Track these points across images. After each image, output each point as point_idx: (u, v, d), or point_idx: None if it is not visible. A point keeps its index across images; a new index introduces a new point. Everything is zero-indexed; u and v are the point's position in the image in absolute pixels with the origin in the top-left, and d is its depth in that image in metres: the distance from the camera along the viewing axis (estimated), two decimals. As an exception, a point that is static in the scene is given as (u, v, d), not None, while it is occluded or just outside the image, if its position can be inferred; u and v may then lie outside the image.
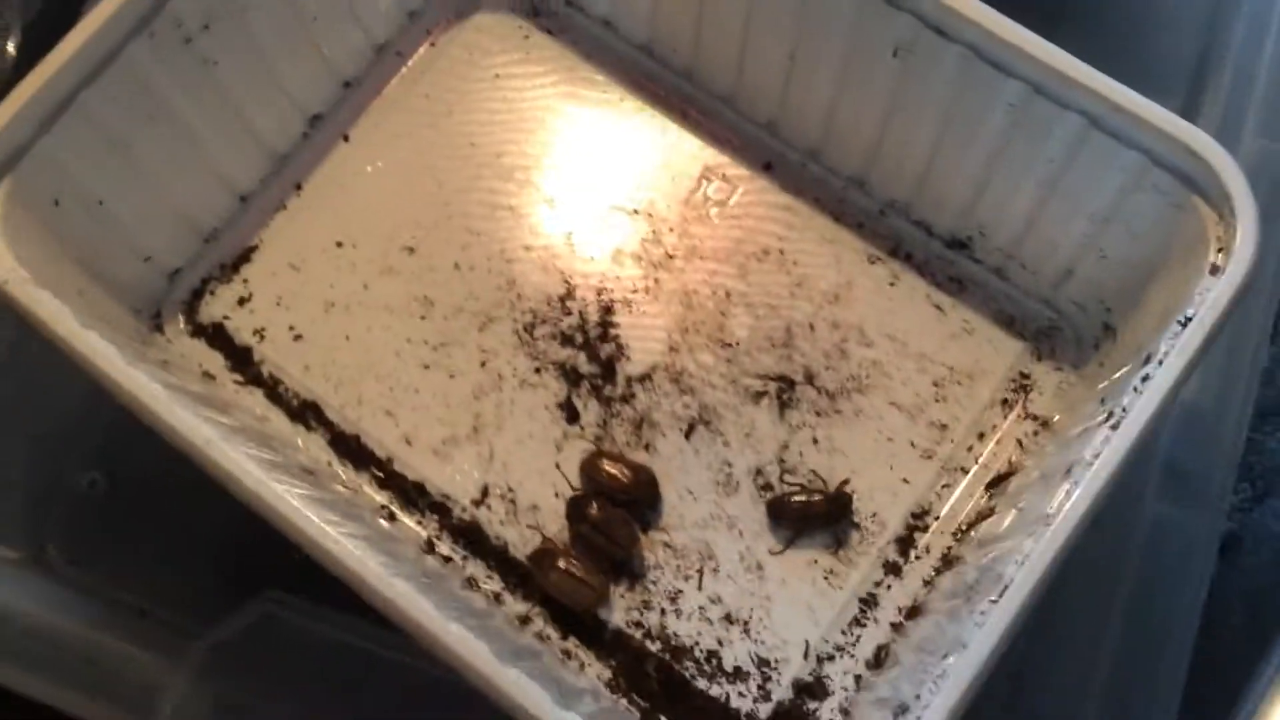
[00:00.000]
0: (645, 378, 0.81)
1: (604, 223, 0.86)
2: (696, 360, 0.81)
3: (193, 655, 0.72)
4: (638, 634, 0.74)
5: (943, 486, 0.78)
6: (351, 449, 0.80)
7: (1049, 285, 0.81)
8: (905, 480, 0.78)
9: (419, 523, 0.77)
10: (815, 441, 0.79)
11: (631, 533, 0.75)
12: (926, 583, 0.75)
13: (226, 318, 0.83)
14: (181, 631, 0.74)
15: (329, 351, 0.82)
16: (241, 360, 0.82)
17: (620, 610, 0.75)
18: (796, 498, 0.76)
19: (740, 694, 0.73)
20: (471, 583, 0.75)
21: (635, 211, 0.86)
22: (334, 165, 0.88)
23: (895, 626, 0.74)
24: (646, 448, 0.79)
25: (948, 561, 0.75)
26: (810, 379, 0.81)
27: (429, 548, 0.76)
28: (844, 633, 0.74)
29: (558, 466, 0.78)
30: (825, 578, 0.75)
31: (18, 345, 0.85)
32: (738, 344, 0.82)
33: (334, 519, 0.63)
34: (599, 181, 0.87)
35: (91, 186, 0.74)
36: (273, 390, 0.81)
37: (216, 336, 0.83)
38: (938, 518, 0.77)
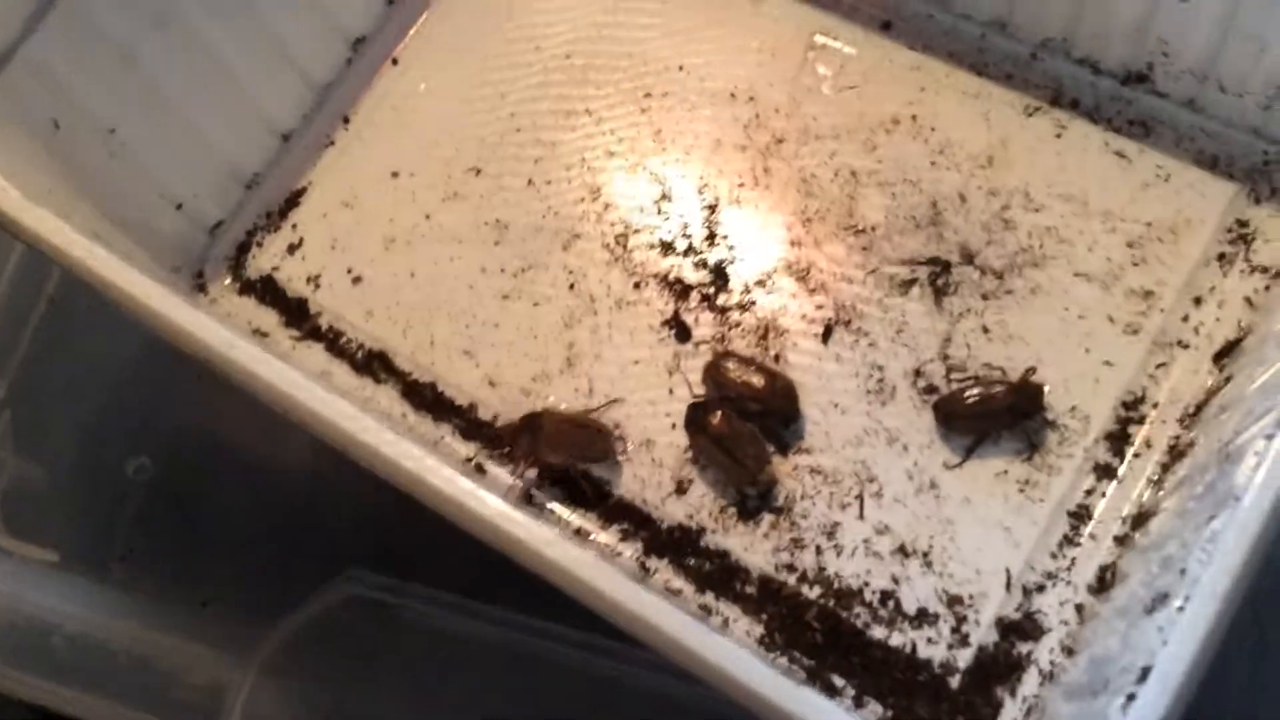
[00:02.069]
0: (765, 280, 0.69)
1: (697, 114, 0.75)
2: (825, 253, 0.69)
3: (264, 647, 0.62)
4: (791, 579, 0.61)
5: (1158, 366, 0.63)
6: (428, 399, 0.70)
7: (1258, 108, 0.66)
8: (1108, 363, 0.64)
9: (513, 473, 0.66)
10: (985, 330, 0.66)
11: (760, 452, 0.62)
12: (1153, 482, 0.60)
13: (276, 268, 0.75)
14: (251, 622, 0.64)
15: (393, 292, 0.73)
16: (297, 313, 0.73)
17: (764, 552, 0.62)
18: (970, 393, 0.62)
19: (929, 640, 0.59)
20: (580, 533, 0.64)
21: (733, 96, 0.75)
22: (383, 91, 0.80)
23: (1121, 540, 0.59)
24: (776, 359, 0.67)
25: (1177, 453, 0.60)
26: (969, 258, 0.67)
27: (526, 498, 0.65)
28: (1054, 555, 0.60)
29: (671, 392, 0.67)
30: (1021, 490, 0.62)
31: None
32: (874, 229, 0.69)
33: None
34: (687, 69, 0.76)
35: (97, 108, 0.67)
36: (334, 343, 0.72)
37: (267, 290, 0.75)
38: (1157, 404, 0.62)
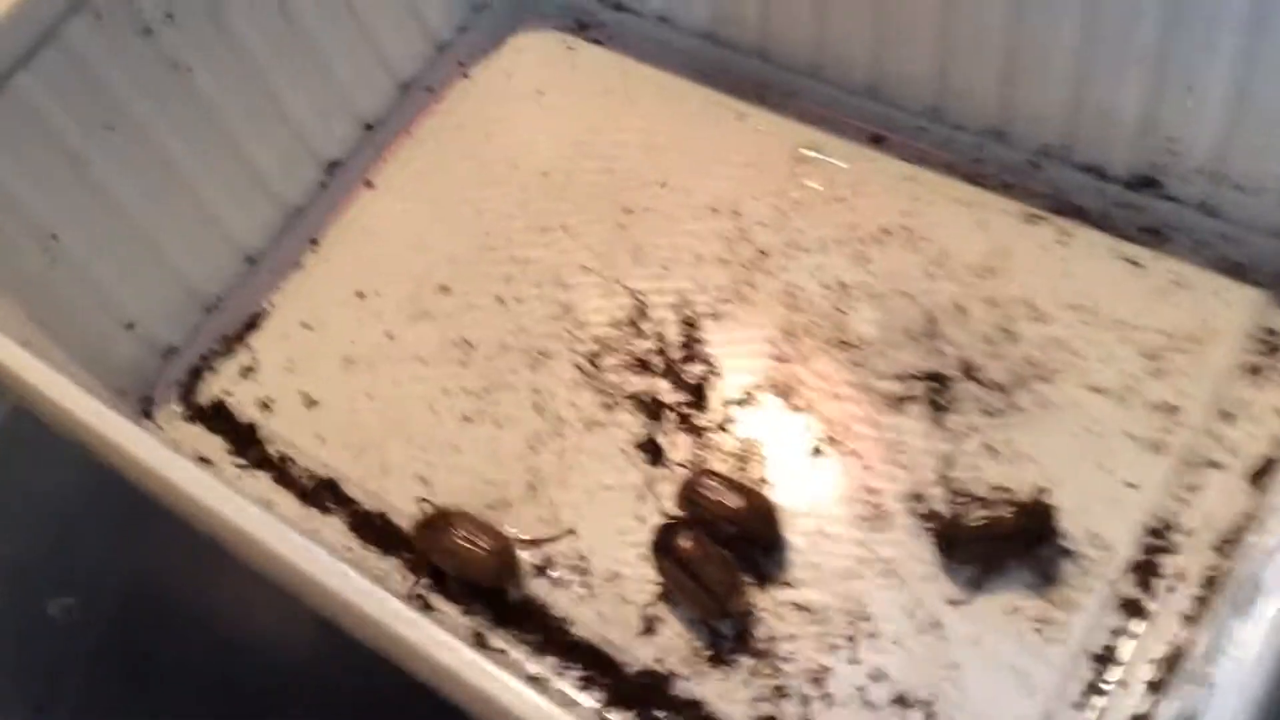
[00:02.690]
0: (746, 398, 0.64)
1: (677, 228, 0.71)
2: (812, 369, 0.64)
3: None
4: (771, 733, 0.54)
5: (1187, 488, 0.57)
6: (376, 529, 0.64)
7: (1279, 206, 0.62)
8: (1130, 484, 0.57)
9: (465, 611, 0.60)
10: (990, 449, 0.59)
11: (731, 578, 0.56)
12: (1189, 619, 0.53)
13: (227, 392, 0.71)
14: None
15: (349, 416, 0.68)
16: (244, 439, 0.69)
17: (742, 702, 0.55)
18: (974, 516, 0.56)
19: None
20: (536, 680, 0.57)
21: (715, 210, 0.72)
22: (356, 213, 0.78)
23: (1154, 686, 0.51)
24: (760, 483, 0.61)
25: (1213, 585, 0.53)
26: (970, 372, 0.62)
27: (478, 641, 0.59)
28: (1077, 705, 0.52)
29: (642, 520, 0.60)
30: (1037, 630, 0.54)
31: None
32: (865, 343, 0.64)
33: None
34: (668, 185, 0.74)
35: (39, 211, 0.64)
36: (282, 471, 0.67)
37: (217, 416, 0.70)
38: (1189, 530, 0.55)
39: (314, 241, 0.77)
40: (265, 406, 0.70)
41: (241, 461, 0.68)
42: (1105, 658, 0.53)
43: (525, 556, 0.61)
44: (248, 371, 0.71)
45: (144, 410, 0.71)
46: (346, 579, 0.46)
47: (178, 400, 0.71)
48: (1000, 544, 0.55)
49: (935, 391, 0.62)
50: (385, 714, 0.62)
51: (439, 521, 0.61)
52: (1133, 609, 0.54)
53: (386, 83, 0.81)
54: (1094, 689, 0.52)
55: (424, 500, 0.63)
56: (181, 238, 0.72)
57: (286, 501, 0.66)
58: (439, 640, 0.44)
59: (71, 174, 0.65)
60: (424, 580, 0.61)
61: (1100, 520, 0.56)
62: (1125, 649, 0.53)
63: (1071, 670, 0.53)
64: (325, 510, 0.65)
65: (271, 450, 0.68)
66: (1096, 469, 0.58)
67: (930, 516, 0.58)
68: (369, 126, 0.80)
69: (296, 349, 0.72)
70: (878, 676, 0.54)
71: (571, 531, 0.61)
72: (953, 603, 0.56)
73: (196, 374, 0.72)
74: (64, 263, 0.65)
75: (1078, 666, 0.53)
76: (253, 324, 0.74)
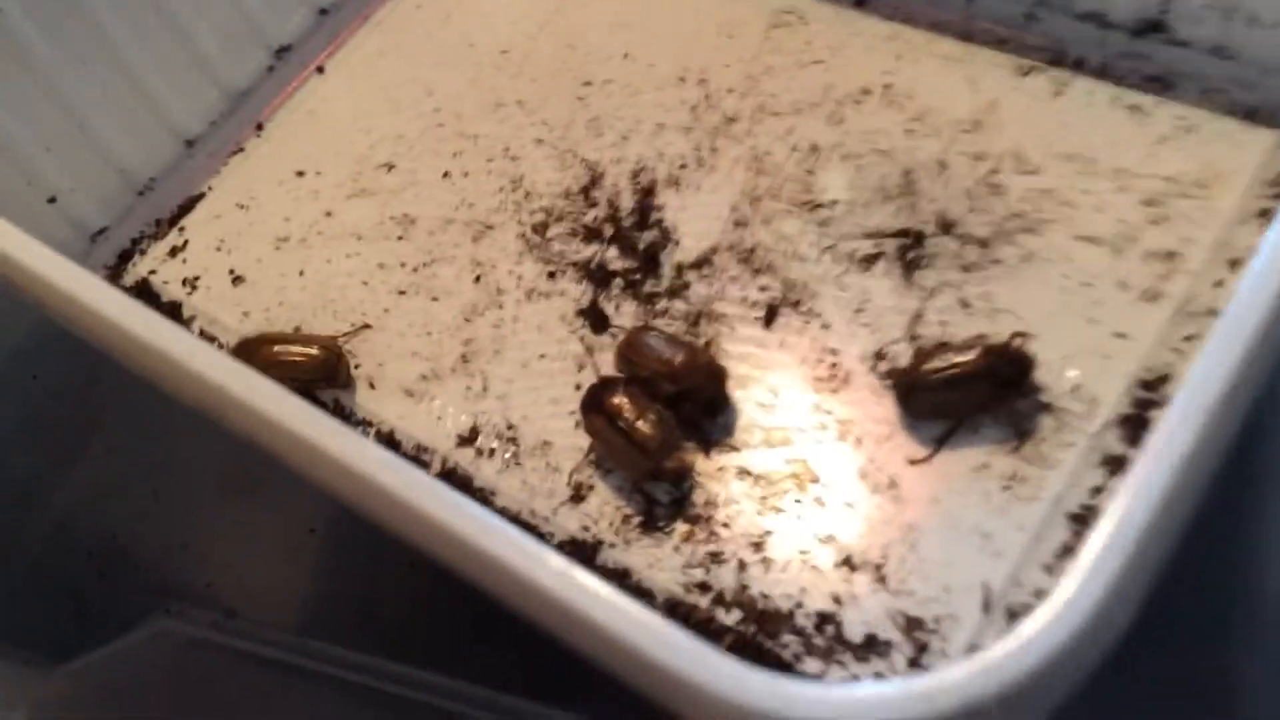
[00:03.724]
0: (702, 263, 0.61)
1: (639, 99, 0.69)
2: (775, 230, 0.61)
3: (42, 686, 0.52)
4: (704, 600, 0.50)
5: (1184, 338, 0.52)
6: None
7: (1303, 40, 0.57)
8: (1120, 335, 0.53)
9: (379, 483, 0.57)
10: (964, 305, 0.56)
11: (667, 435, 0.53)
12: (1180, 472, 0.48)
13: (153, 272, 0.70)
14: (31, 662, 0.55)
15: (276, 293, 0.67)
16: (167, 316, 0.67)
17: (673, 569, 0.52)
18: (937, 360, 0.52)
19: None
20: (447, 551, 0.54)
21: (682, 80, 0.69)
22: (303, 98, 0.76)
23: (1136, 542, 0.47)
24: (709, 346, 0.58)
25: (1212, 436, 0.48)
26: (947, 228, 0.58)
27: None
28: (1048, 568, 0.48)
29: (579, 388, 0.58)
30: (1006, 488, 0.50)
31: None
32: (834, 203, 0.61)
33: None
34: (632, 56, 0.71)
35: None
36: (205, 349, 0.65)
37: (140, 295, 0.69)
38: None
39: (259, 126, 0.75)
40: (191, 285, 0.68)
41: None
42: (1083, 518, 0.49)
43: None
44: (175, 251, 0.70)
45: (66, 292, 0.70)
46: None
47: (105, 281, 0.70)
48: (966, 391, 0.51)
49: (907, 249, 0.59)
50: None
51: (255, 342, 0.61)
52: (1117, 465, 0.50)
53: (344, -34, 0.80)
54: (1069, 550, 0.48)
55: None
56: (113, 116, 0.71)
57: (204, 377, 0.64)
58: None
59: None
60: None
61: (1085, 373, 0.52)
62: (1108, 508, 0.49)
63: (1043, 531, 0.49)
64: (244, 386, 0.63)
65: (195, 327, 0.67)
66: (1083, 320, 0.54)
67: (891, 374, 0.54)
68: (323, 11, 0.80)
69: (228, 229, 0.70)
70: (824, 539, 0.51)
71: (368, 325, 0.62)
72: (913, 461, 0.52)
73: (126, 257, 0.71)
74: (-25, 119, 0.65)
75: (1051, 527, 0.49)
76: (188, 207, 0.72)
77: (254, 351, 0.61)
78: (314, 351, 0.61)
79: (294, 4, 0.78)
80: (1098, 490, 0.49)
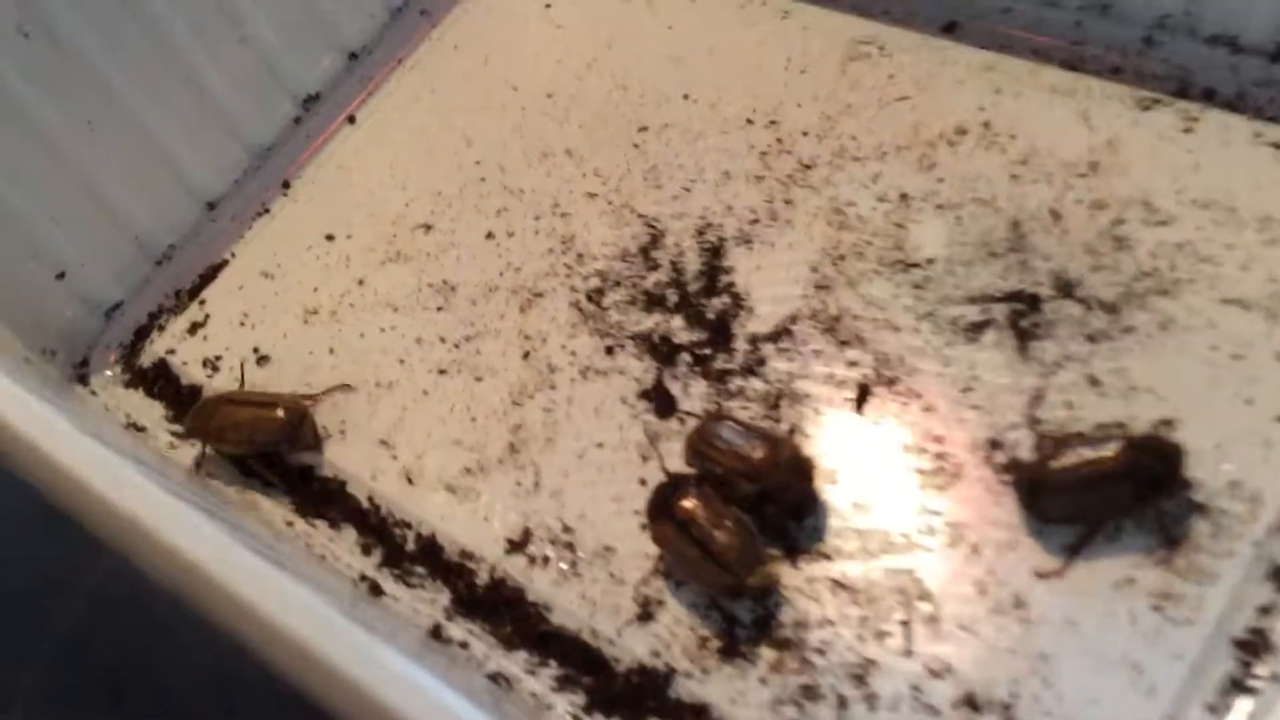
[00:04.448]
0: (781, 333, 0.55)
1: (703, 144, 0.63)
2: (864, 295, 0.54)
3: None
4: (796, 746, 0.44)
5: (1364, 421, 0.45)
6: (322, 500, 0.56)
7: None
8: (1283, 419, 0.46)
9: (423, 596, 0.52)
10: (1094, 382, 0.49)
11: (749, 546, 0.46)
12: (1372, 590, 0.41)
13: (171, 351, 0.65)
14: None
15: (304, 372, 0.61)
16: (184, 404, 0.62)
17: (760, 705, 0.45)
18: (1070, 456, 0.45)
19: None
20: (499, 680, 0.48)
21: (749, 121, 0.63)
22: (333, 151, 0.71)
23: (1324, 681, 0.40)
24: (791, 433, 0.51)
25: None
26: (1066, 289, 0.52)
27: (435, 633, 0.50)
28: (1212, 708, 0.41)
29: (644, 483, 0.52)
30: (1155, 608, 0.43)
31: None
32: (930, 262, 0.55)
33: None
34: (693, 97, 0.65)
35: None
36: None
37: (158, 378, 0.64)
38: (1367, 475, 0.44)
39: (285, 185, 0.70)
40: (212, 366, 0.63)
41: (179, 429, 0.61)
42: (1252, 644, 0.42)
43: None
44: (196, 328, 0.65)
45: (79, 375, 0.65)
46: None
47: (118, 362, 0.65)
48: (1106, 493, 0.44)
49: (1020, 315, 0.52)
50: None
51: (213, 405, 0.58)
52: (1292, 580, 0.43)
53: (375, 7, 0.75)
54: (1237, 686, 0.41)
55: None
56: (126, 180, 0.67)
57: (223, 472, 0.59)
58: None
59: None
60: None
61: (1242, 465, 0.45)
62: (1281, 633, 0.42)
63: (1204, 662, 0.42)
64: (266, 481, 0.58)
65: (215, 416, 0.61)
66: (1237, 401, 0.47)
67: (1011, 467, 0.48)
68: (353, 55, 0.75)
69: (253, 301, 0.65)
70: (939, 672, 0.44)
71: (348, 386, 0.59)
72: (1041, 575, 0.45)
73: (142, 333, 0.66)
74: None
75: (1214, 655, 0.42)
76: (209, 277, 0.67)
77: (211, 414, 0.58)
78: (276, 414, 0.57)
79: (321, 48, 0.73)
80: (1266, 610, 0.42)
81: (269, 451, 0.57)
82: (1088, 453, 0.45)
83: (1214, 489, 0.45)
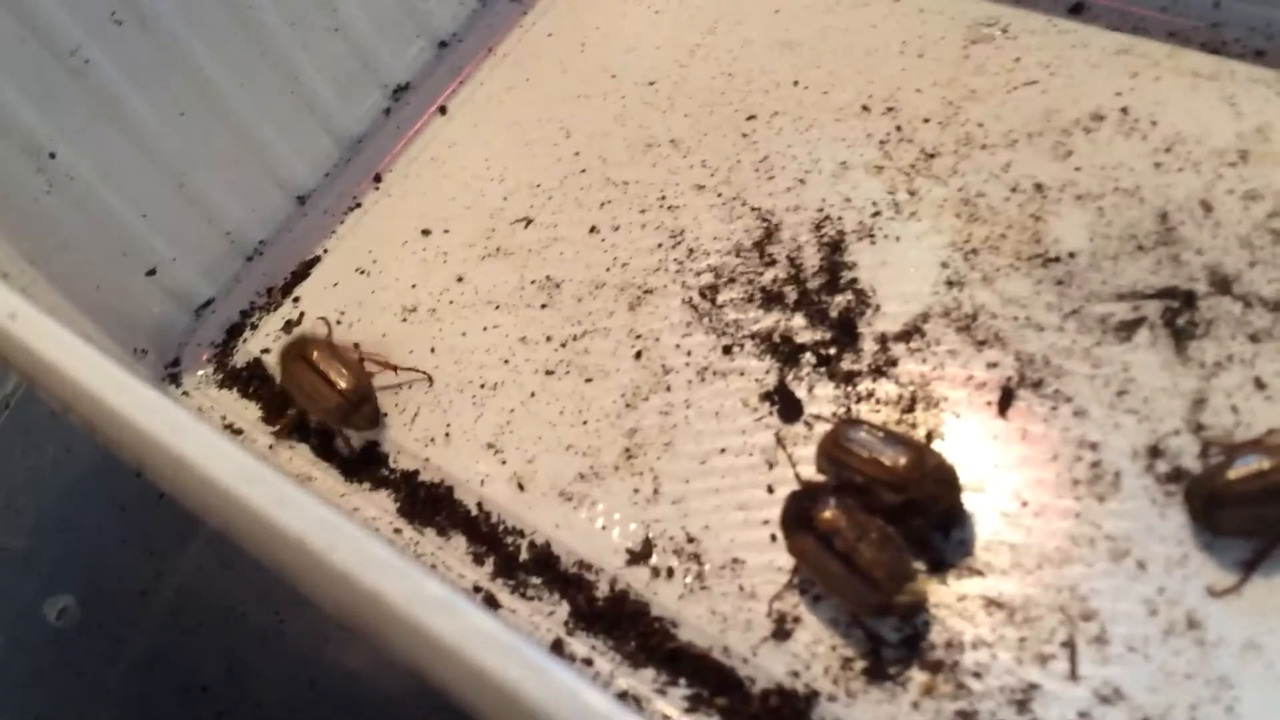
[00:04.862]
0: (911, 332, 0.51)
1: (817, 133, 0.59)
2: (1000, 292, 0.50)
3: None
4: (955, 777, 0.40)
5: None
6: (432, 510, 0.53)
7: None
8: None
9: (541, 609, 0.48)
10: (1259, 385, 0.45)
11: (897, 561, 0.42)
12: None
13: (265, 351, 0.61)
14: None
15: (404, 374, 0.57)
16: (281, 405, 0.59)
17: (913, 732, 0.41)
18: (1245, 467, 0.41)
19: None
20: (628, 699, 0.44)
21: (865, 109, 0.59)
22: (426, 143, 0.68)
23: None
24: (929, 439, 0.47)
25: None
26: (1223, 285, 0.47)
27: (557, 648, 0.46)
28: None
29: (771, 491, 0.48)
30: (1349, 632, 0.39)
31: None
32: (1072, 256, 0.50)
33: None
34: (804, 83, 0.61)
35: (29, 120, 0.56)
36: (325, 440, 0.57)
37: (252, 379, 0.61)
38: None
39: (377, 178, 0.67)
40: (308, 365, 0.60)
41: (277, 429, 0.58)
42: None
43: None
44: (290, 326, 0.62)
45: (170, 375, 0.62)
46: (363, 555, 0.34)
47: (210, 362, 0.62)
48: (1286, 505, 0.40)
49: (1174, 313, 0.47)
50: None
51: (295, 351, 0.56)
52: None
53: (465, -9, 0.72)
54: None
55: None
56: (216, 173, 0.64)
57: (326, 476, 0.56)
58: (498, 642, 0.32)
59: (68, 76, 0.56)
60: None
61: None
62: None
63: None
64: (373, 485, 0.55)
65: (313, 416, 0.58)
66: None
67: (1176, 476, 0.43)
68: (443, 44, 0.71)
69: (348, 298, 0.62)
70: (1109, 698, 0.40)
71: (427, 376, 0.56)
72: (1215, 594, 0.41)
73: (235, 332, 0.63)
74: (64, 189, 0.57)
75: None
76: (302, 273, 0.64)
77: (289, 361, 0.56)
78: (334, 393, 0.54)
79: (410, 36, 0.70)
80: None
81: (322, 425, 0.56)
82: (1267, 461, 0.41)
83: (1407, 502, 0.41)
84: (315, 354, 0.56)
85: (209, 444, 0.36)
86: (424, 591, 0.32)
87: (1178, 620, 0.41)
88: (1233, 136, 0.52)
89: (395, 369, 0.57)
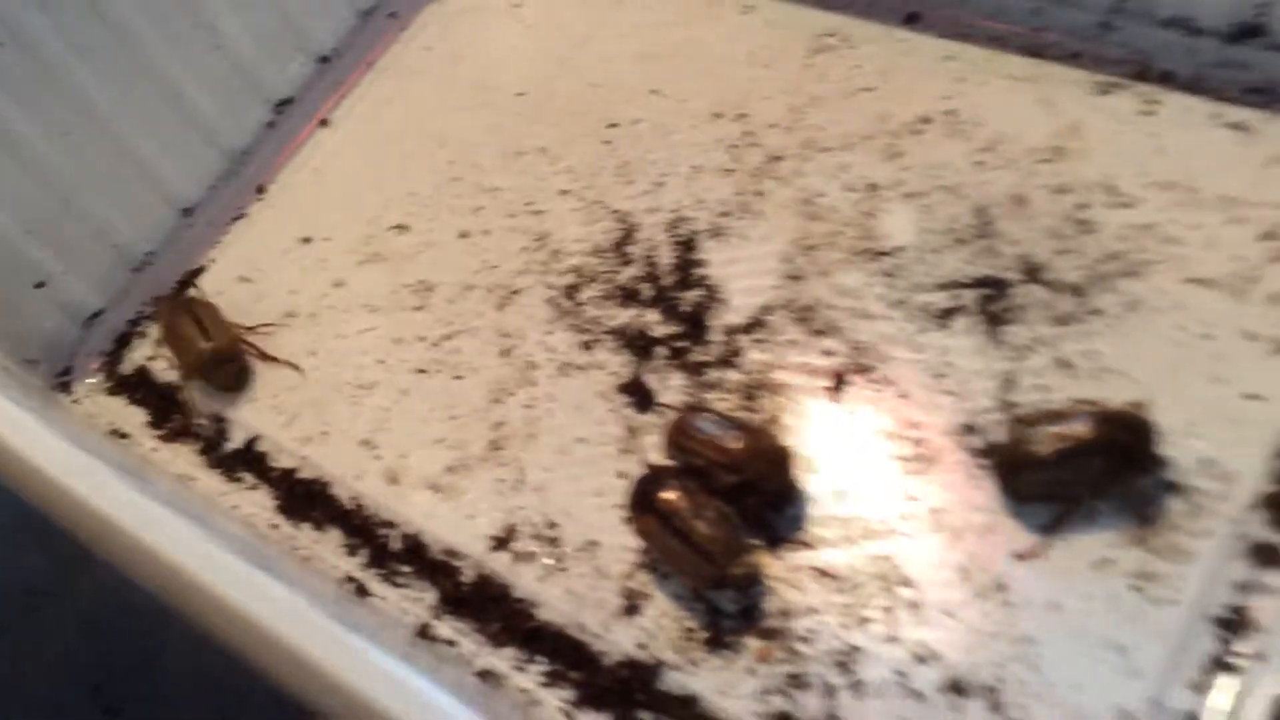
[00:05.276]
0: (755, 324, 0.52)
1: (673, 139, 0.61)
2: (836, 284, 0.52)
3: None
4: (785, 735, 0.42)
5: (1331, 396, 0.43)
6: (307, 504, 0.53)
7: None
8: (1253, 396, 0.44)
9: (410, 596, 0.49)
10: (1063, 364, 0.47)
11: (730, 537, 0.44)
12: (1348, 564, 0.39)
13: (151, 358, 0.62)
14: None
15: (285, 377, 0.58)
16: (167, 409, 0.59)
17: (747, 696, 0.43)
18: (1044, 435, 0.43)
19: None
20: (488, 677, 0.46)
21: (718, 115, 0.60)
22: (308, 154, 0.68)
23: (1304, 656, 0.38)
24: (769, 424, 0.49)
25: (1382, 518, 0.40)
26: (1033, 273, 0.50)
27: (423, 632, 0.48)
28: (1196, 687, 0.39)
29: (625, 477, 0.49)
30: (1135, 588, 0.41)
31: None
32: (900, 250, 0.52)
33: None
34: (662, 92, 0.63)
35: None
36: (209, 441, 0.57)
37: (140, 385, 0.61)
38: (1337, 450, 0.42)
39: (260, 189, 0.67)
40: (192, 371, 0.60)
41: (161, 433, 0.58)
42: (1233, 622, 0.40)
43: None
44: (176, 333, 0.62)
45: (61, 383, 0.62)
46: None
47: (100, 370, 0.62)
48: (1080, 468, 0.42)
49: (989, 300, 0.50)
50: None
51: (179, 305, 0.59)
52: (1267, 556, 0.41)
53: (344, 11, 0.72)
54: (1220, 665, 0.39)
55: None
56: (102, 188, 0.64)
57: (207, 477, 0.56)
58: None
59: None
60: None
61: (1217, 442, 0.43)
62: (1262, 610, 0.40)
63: (1187, 641, 0.40)
64: (252, 483, 0.55)
65: (197, 420, 0.59)
66: (1206, 379, 0.45)
67: (988, 451, 0.46)
68: (324, 59, 0.72)
69: (233, 305, 0.62)
70: (924, 657, 0.42)
71: (298, 368, 0.58)
72: (1021, 557, 0.43)
73: (123, 341, 0.63)
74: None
75: (1195, 635, 0.40)
76: (189, 282, 0.64)
77: (175, 309, 0.59)
78: (204, 344, 0.57)
79: (291, 52, 0.70)
80: (1244, 587, 0.40)
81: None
82: (1060, 429, 0.43)
83: (1187, 468, 0.43)
84: (201, 310, 0.58)
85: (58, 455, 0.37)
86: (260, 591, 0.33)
87: (987, 584, 0.43)
88: (1047, 134, 0.54)
89: (268, 357, 0.58)
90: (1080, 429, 0.42)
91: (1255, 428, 0.43)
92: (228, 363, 0.57)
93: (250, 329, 0.59)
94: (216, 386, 0.58)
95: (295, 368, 0.58)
